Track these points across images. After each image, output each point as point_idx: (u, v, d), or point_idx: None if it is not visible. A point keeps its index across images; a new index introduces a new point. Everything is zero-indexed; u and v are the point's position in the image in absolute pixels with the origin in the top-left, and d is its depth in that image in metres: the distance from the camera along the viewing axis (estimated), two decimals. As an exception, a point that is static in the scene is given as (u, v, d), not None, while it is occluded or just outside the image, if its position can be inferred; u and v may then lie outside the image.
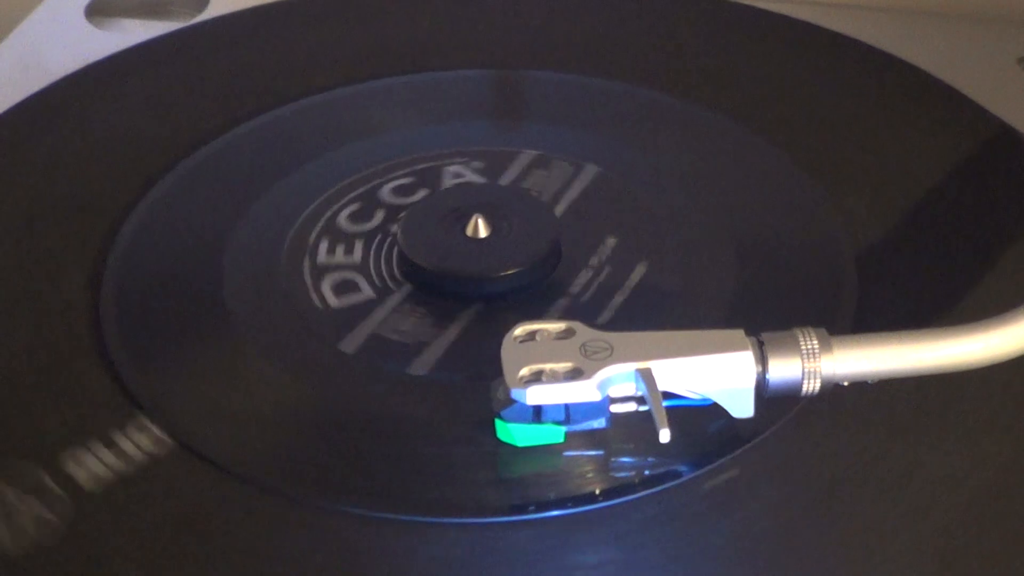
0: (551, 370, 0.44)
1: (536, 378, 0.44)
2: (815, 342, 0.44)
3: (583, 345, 0.45)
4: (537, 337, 0.45)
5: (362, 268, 0.53)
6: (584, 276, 0.52)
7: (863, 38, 0.64)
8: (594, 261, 0.53)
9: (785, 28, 0.65)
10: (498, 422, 0.45)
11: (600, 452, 0.46)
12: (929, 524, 0.44)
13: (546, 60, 0.64)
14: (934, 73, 0.61)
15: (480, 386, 0.46)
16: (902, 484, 0.45)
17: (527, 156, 0.58)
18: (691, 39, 0.65)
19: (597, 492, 0.45)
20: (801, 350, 0.44)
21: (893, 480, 0.45)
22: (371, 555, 0.44)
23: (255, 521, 0.45)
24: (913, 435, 0.46)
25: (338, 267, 0.53)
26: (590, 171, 0.57)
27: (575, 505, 0.44)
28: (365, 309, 0.51)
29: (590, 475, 0.45)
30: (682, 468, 0.45)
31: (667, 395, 0.44)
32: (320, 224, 0.55)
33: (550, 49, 0.65)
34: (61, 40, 0.68)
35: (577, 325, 0.45)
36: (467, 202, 0.53)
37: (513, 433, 0.45)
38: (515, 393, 0.44)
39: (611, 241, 0.53)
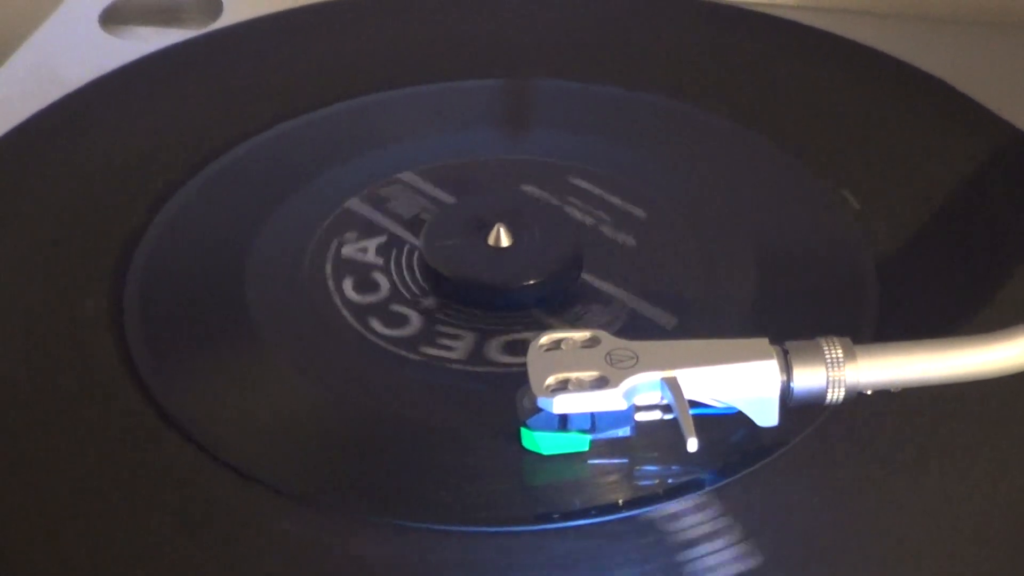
0: (577, 379, 0.44)
1: (562, 387, 0.44)
2: (839, 351, 0.44)
3: (608, 354, 0.45)
4: (563, 346, 0.45)
5: (385, 277, 0.53)
6: (606, 284, 0.52)
7: (880, 46, 0.64)
8: (616, 270, 0.53)
9: (802, 36, 0.65)
10: (524, 430, 0.45)
11: (625, 460, 0.46)
12: (957, 533, 0.44)
13: (558, 69, 0.64)
14: (952, 82, 0.61)
15: (505, 394, 0.46)
16: (929, 494, 0.45)
17: (543, 165, 0.58)
18: (709, 47, 0.65)
19: (622, 501, 0.45)
20: (826, 359, 0.44)
21: (919, 490, 0.45)
22: (394, 563, 0.44)
23: (276, 527, 0.45)
24: (940, 443, 0.46)
25: (360, 277, 0.53)
26: (610, 180, 0.57)
27: (600, 514, 0.44)
28: (388, 318, 0.51)
29: (615, 484, 0.45)
30: (707, 477, 0.45)
31: (692, 403, 0.44)
32: (340, 235, 0.55)
33: (561, 58, 0.65)
34: (75, 49, 0.68)
35: (602, 334, 0.46)
36: (489, 211, 0.53)
37: (539, 441, 0.45)
38: (541, 402, 0.44)
39: (633, 249, 0.54)
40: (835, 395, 0.44)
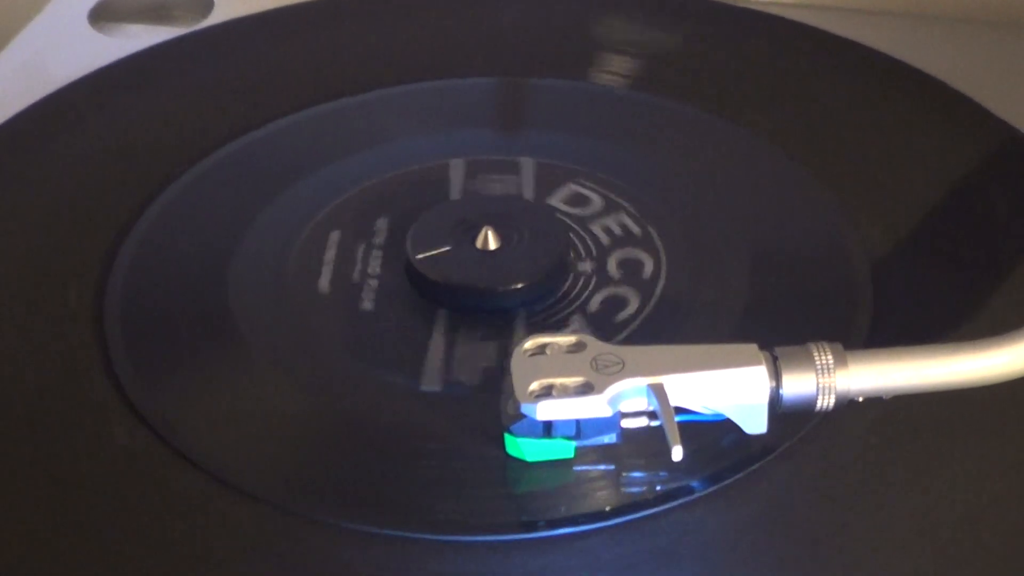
0: (561, 384, 0.44)
1: (546, 393, 0.43)
2: (830, 357, 0.43)
3: (594, 359, 0.44)
4: (547, 351, 0.45)
5: (370, 280, 0.52)
6: (594, 289, 0.51)
7: (877, 45, 0.63)
8: (605, 274, 0.52)
9: (798, 35, 0.64)
10: (507, 437, 0.45)
11: (611, 467, 0.45)
12: (950, 541, 0.43)
13: (552, 67, 0.63)
14: (949, 81, 0.60)
15: (489, 400, 0.46)
16: (921, 501, 0.44)
17: (535, 165, 0.57)
18: (701, 46, 0.64)
19: (608, 509, 0.44)
20: (816, 365, 0.43)
21: (911, 498, 0.45)
22: (375, 573, 0.43)
23: (258, 536, 0.44)
24: (932, 451, 0.46)
25: (345, 278, 0.52)
26: (602, 181, 0.56)
27: (586, 522, 0.44)
28: (373, 322, 0.50)
29: (601, 491, 0.45)
30: (695, 484, 0.44)
31: (679, 410, 0.43)
32: (327, 234, 0.54)
33: (555, 56, 0.64)
34: (64, 46, 0.68)
35: (588, 339, 0.45)
36: (476, 213, 0.53)
37: (523, 448, 0.45)
38: (525, 408, 0.43)
39: (622, 253, 0.53)
40: (825, 402, 0.43)
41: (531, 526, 0.44)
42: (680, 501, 0.44)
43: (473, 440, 0.46)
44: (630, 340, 0.48)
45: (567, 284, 0.51)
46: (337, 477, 0.46)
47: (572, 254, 0.52)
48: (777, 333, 0.45)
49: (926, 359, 0.43)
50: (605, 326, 0.50)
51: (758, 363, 0.43)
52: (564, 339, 0.45)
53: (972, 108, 0.59)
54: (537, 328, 0.49)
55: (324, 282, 0.52)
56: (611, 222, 0.54)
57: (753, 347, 0.44)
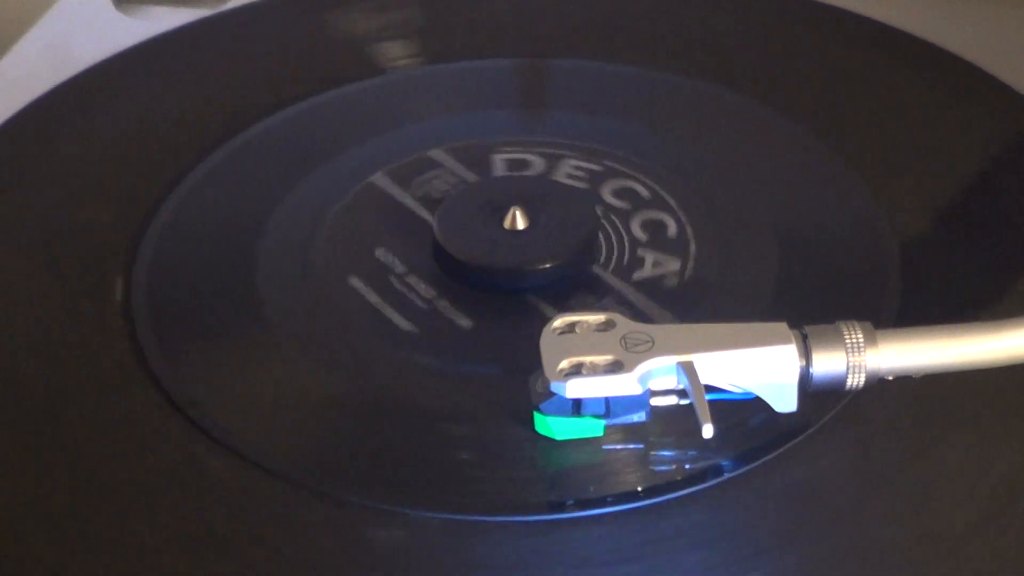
0: (591, 363, 0.43)
1: (576, 371, 0.43)
2: (860, 336, 0.43)
3: (623, 337, 0.44)
4: (577, 329, 0.45)
5: (398, 260, 0.52)
6: (624, 268, 0.51)
7: (906, 27, 0.63)
8: (634, 253, 0.52)
9: (827, 17, 0.64)
10: (537, 415, 0.45)
11: (640, 446, 0.45)
12: (982, 518, 0.43)
13: (579, 49, 0.63)
14: (978, 62, 0.60)
15: (518, 379, 0.45)
16: (952, 482, 0.44)
17: (564, 147, 0.57)
18: (732, 27, 0.64)
19: (638, 488, 0.44)
20: (846, 344, 0.43)
21: (942, 479, 0.44)
22: (404, 553, 0.43)
23: (283, 515, 0.44)
24: (963, 430, 0.46)
25: (374, 259, 0.52)
26: (630, 162, 0.56)
27: (615, 502, 0.44)
28: (401, 302, 0.50)
29: (630, 470, 0.44)
30: (725, 464, 0.44)
31: (708, 389, 0.43)
32: (354, 214, 0.54)
33: (583, 37, 0.64)
34: (88, 28, 0.68)
35: (617, 317, 0.45)
36: (505, 194, 0.52)
37: (552, 427, 0.45)
38: (554, 386, 0.43)
39: (651, 233, 0.53)
40: (855, 381, 0.43)
41: (560, 506, 0.44)
42: (711, 482, 0.44)
43: (502, 419, 0.46)
44: (660, 319, 0.47)
45: (596, 263, 0.51)
46: (364, 457, 0.46)
47: (601, 235, 0.52)
48: (807, 313, 0.45)
49: (956, 338, 0.43)
50: (636, 305, 0.50)
51: (788, 342, 0.43)
52: (594, 317, 0.45)
53: (1002, 89, 0.59)
54: (566, 307, 0.49)
55: (351, 262, 0.52)
56: (639, 203, 0.54)
57: (783, 325, 0.44)
